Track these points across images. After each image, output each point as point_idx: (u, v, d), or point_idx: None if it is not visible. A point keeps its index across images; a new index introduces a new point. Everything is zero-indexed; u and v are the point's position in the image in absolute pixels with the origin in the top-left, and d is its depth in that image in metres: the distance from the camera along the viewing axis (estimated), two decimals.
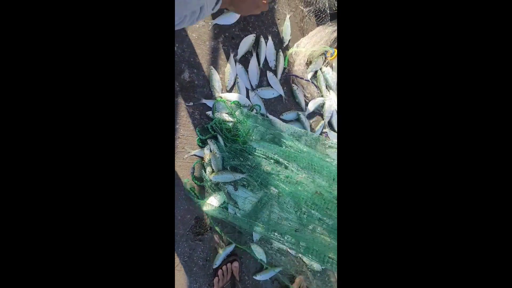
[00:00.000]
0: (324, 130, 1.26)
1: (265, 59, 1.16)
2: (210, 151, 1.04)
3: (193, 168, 1.07)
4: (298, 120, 1.21)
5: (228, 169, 1.06)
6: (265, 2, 0.75)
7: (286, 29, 1.19)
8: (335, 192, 0.92)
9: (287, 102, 1.21)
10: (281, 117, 1.18)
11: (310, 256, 0.97)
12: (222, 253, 1.08)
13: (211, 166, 1.05)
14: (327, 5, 1.22)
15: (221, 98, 1.09)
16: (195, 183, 1.07)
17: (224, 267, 1.06)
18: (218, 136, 1.07)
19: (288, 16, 1.19)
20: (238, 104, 1.10)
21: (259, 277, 1.15)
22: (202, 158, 1.08)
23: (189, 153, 1.06)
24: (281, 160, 0.99)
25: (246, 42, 1.12)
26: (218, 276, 1.05)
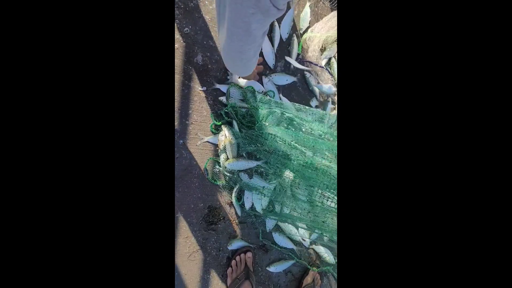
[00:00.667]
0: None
1: (279, 43, 1.13)
2: (225, 137, 1.01)
3: (206, 169, 1.04)
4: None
5: (244, 155, 1.03)
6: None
7: (305, 16, 1.16)
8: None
9: (301, 89, 1.18)
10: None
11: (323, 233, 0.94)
12: (239, 241, 1.05)
13: (225, 153, 1.02)
14: None
15: (235, 84, 1.05)
16: (209, 180, 1.04)
17: (237, 258, 1.03)
18: (233, 121, 1.03)
19: (308, 4, 1.16)
20: (252, 90, 1.06)
21: (272, 269, 1.12)
22: (216, 145, 1.04)
23: (202, 139, 1.03)
24: (298, 146, 0.96)
25: None
26: (231, 266, 1.02)
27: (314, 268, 1.15)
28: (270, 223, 1.10)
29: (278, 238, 1.12)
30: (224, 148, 1.01)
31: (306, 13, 1.16)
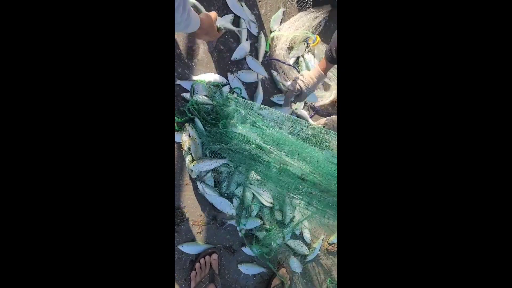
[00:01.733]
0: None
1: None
2: (189, 136, 0.97)
3: None
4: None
5: (208, 155, 1.00)
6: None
7: (277, 18, 1.17)
8: (319, 176, 0.89)
9: (269, 87, 1.17)
10: (271, 99, 1.15)
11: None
12: (202, 245, 1.01)
13: (191, 154, 0.98)
14: None
15: (199, 79, 1.02)
16: None
17: (202, 260, 0.99)
18: (196, 119, 1.00)
19: (282, 10, 1.18)
20: (218, 86, 1.04)
21: (243, 269, 1.08)
22: (180, 145, 1.00)
23: None
24: (263, 144, 0.95)
25: (226, 19, 1.06)
26: (195, 269, 0.98)
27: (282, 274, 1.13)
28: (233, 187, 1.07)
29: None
30: (189, 149, 0.97)
31: (278, 16, 1.17)
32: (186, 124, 0.99)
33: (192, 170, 0.96)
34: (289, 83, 1.11)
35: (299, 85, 1.01)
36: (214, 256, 1.00)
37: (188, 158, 0.98)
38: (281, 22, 1.19)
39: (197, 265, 0.98)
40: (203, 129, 0.98)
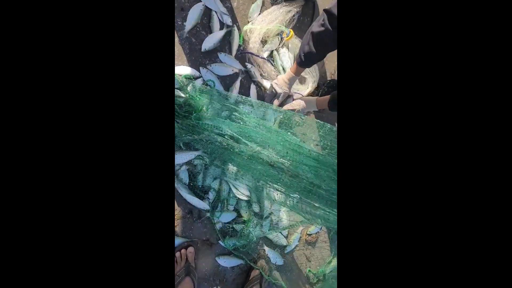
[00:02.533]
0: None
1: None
2: None
3: None
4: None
5: (182, 146, 0.99)
6: None
7: (256, 8, 1.18)
8: (288, 163, 0.91)
9: (244, 80, 1.18)
10: None
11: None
12: (178, 239, 1.01)
13: None
14: None
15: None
16: None
17: (178, 254, 0.98)
18: None
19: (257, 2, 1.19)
20: (190, 79, 1.03)
21: (221, 261, 1.09)
22: None
23: None
24: (235, 135, 0.95)
25: (195, 12, 1.06)
26: None
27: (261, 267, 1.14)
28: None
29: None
30: None
31: (258, 5, 1.18)
32: None
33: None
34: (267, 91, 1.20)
35: (274, 88, 1.12)
36: (190, 249, 1.00)
37: None
38: (260, 11, 1.20)
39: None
40: (175, 122, 0.98)
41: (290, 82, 1.10)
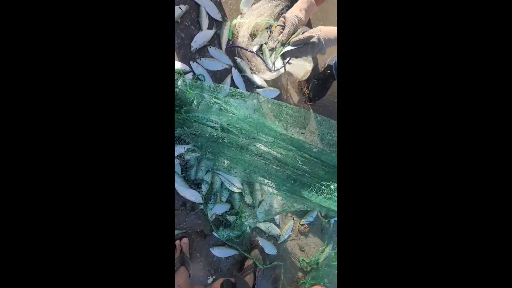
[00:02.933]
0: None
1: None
2: None
3: None
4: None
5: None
6: None
7: (247, 2, 1.19)
8: (276, 151, 0.93)
9: (235, 76, 1.19)
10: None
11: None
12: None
13: None
14: None
15: None
16: None
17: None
18: None
19: None
20: (180, 73, 1.05)
21: (216, 252, 1.11)
22: None
23: None
24: (225, 126, 0.97)
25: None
26: None
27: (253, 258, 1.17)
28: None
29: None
30: None
31: (244, 3, 1.19)
32: None
33: None
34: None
35: (285, 21, 0.94)
36: (185, 240, 1.03)
37: None
38: (252, 5, 1.21)
39: None
40: None
41: (307, 11, 0.90)
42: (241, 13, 1.20)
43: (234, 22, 1.19)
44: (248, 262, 1.17)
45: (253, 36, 1.24)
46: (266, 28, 1.26)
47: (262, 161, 1.01)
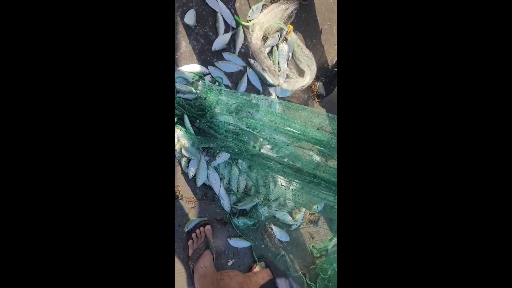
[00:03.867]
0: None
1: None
2: (178, 140, 1.08)
3: None
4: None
5: (200, 149, 1.12)
6: None
7: (256, 10, 1.27)
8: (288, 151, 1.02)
9: (251, 77, 1.28)
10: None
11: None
12: (195, 219, 1.14)
13: (186, 156, 1.11)
14: None
15: (179, 76, 1.12)
16: None
17: (197, 231, 1.12)
18: (185, 116, 1.09)
19: (262, 3, 1.29)
20: (200, 76, 1.14)
21: (232, 242, 1.22)
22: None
23: None
24: (245, 128, 1.07)
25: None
26: (192, 238, 1.11)
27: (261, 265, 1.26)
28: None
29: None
30: (180, 150, 1.09)
31: (258, 8, 1.27)
32: (176, 128, 1.08)
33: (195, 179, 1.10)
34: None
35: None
36: (208, 226, 1.14)
37: (184, 160, 1.11)
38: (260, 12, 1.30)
39: (193, 235, 1.11)
40: (191, 128, 1.08)
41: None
42: (248, 20, 1.29)
43: (247, 24, 1.27)
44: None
45: (265, 39, 1.33)
46: (277, 31, 1.34)
47: (276, 165, 1.11)
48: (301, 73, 1.44)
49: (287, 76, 1.38)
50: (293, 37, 1.38)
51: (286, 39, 1.38)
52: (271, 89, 1.34)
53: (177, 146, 1.09)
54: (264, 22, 1.28)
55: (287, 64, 1.38)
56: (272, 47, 1.34)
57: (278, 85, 1.34)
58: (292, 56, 1.39)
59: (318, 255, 1.48)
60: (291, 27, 1.31)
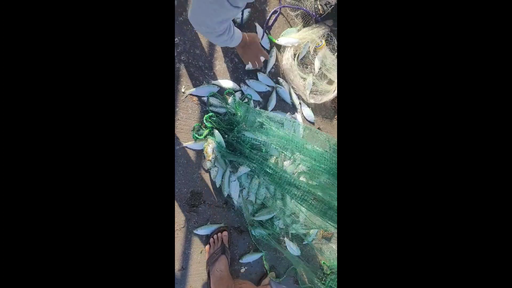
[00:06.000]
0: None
1: None
2: (212, 151, 1.17)
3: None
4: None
5: (227, 162, 1.20)
6: (262, 61, 1.12)
7: (287, 34, 1.33)
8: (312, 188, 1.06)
9: (280, 97, 1.34)
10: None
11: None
12: (214, 225, 1.23)
13: (216, 166, 1.19)
14: (313, 9, 1.36)
15: (213, 92, 1.21)
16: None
17: (215, 236, 1.20)
18: (215, 131, 1.17)
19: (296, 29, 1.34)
20: (232, 93, 1.23)
21: (244, 260, 1.27)
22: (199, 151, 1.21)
23: (181, 145, 1.18)
24: (276, 146, 1.13)
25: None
26: (210, 244, 1.19)
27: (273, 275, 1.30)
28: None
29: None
30: (213, 161, 1.17)
31: (288, 32, 1.33)
32: (209, 139, 1.17)
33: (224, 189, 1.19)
34: None
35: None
36: (225, 233, 1.21)
37: (214, 170, 1.19)
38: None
39: (211, 240, 1.19)
40: (223, 141, 1.16)
41: None
42: (278, 44, 1.33)
43: (277, 42, 1.32)
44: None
45: (297, 57, 1.37)
46: (310, 42, 1.37)
47: (297, 191, 1.15)
48: (330, 82, 1.45)
49: (314, 84, 1.39)
50: (323, 52, 1.40)
51: (316, 53, 1.41)
52: (297, 115, 1.38)
53: (211, 157, 1.18)
54: (297, 39, 1.32)
55: (316, 74, 1.41)
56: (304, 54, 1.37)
57: (305, 100, 1.37)
58: (320, 67, 1.41)
59: (328, 272, 1.50)
60: (325, 42, 1.34)
